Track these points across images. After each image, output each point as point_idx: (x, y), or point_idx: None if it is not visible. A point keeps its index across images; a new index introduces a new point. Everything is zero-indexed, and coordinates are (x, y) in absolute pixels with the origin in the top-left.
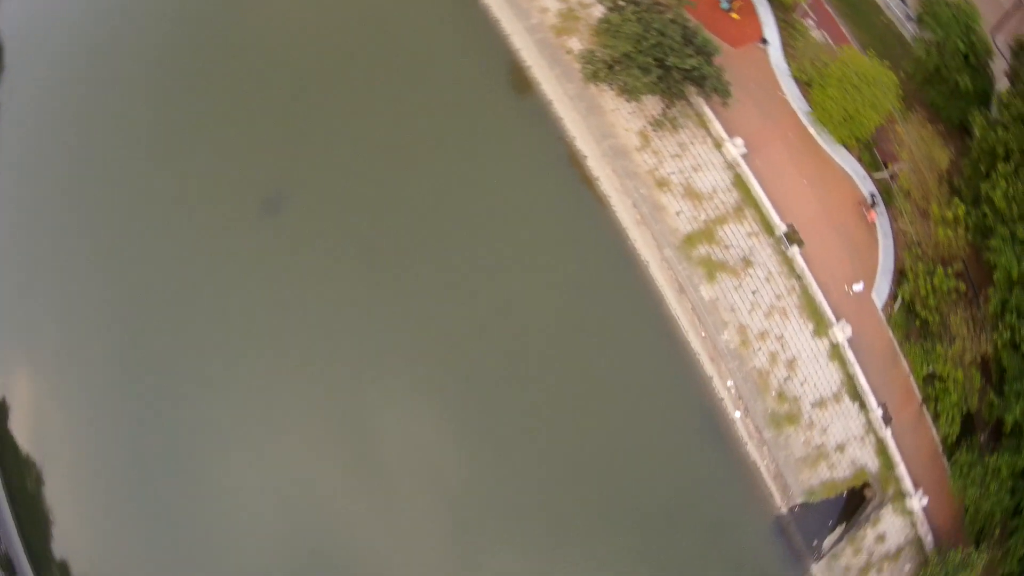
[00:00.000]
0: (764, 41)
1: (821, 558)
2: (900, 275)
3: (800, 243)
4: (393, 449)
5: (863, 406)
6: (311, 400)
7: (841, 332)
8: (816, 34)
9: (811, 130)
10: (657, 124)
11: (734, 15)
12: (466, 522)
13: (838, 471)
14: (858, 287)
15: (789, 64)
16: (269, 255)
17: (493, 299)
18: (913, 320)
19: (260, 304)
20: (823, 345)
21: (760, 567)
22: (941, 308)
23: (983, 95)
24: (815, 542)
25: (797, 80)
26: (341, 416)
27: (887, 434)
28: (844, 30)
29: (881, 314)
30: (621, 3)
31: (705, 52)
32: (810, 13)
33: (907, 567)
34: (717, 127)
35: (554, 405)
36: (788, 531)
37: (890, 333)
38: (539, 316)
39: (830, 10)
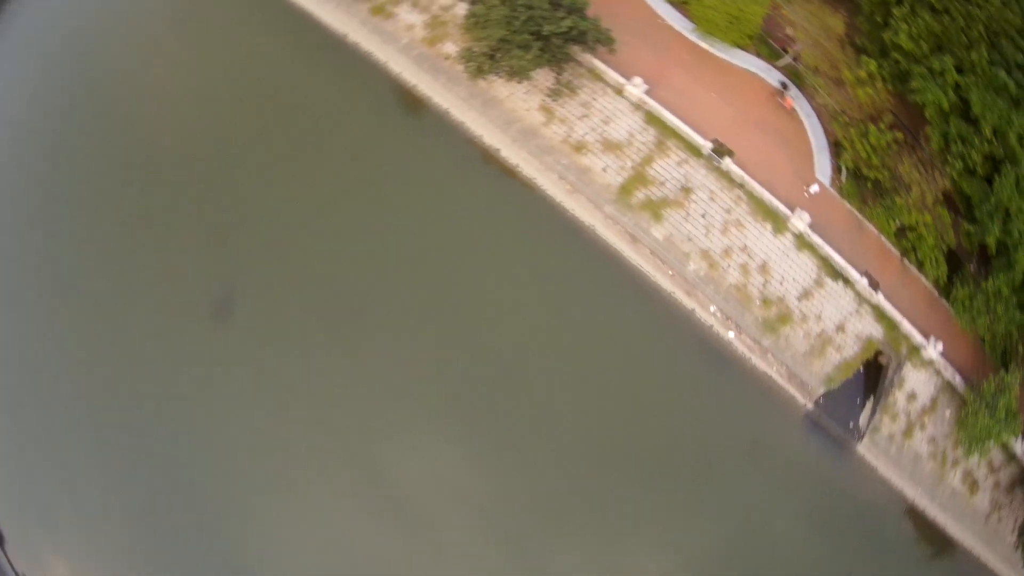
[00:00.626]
0: None
1: (862, 437)
2: (836, 147)
3: (730, 153)
4: (419, 489)
5: (847, 281)
6: (335, 480)
7: (800, 221)
8: None
9: (703, 45)
10: (554, 94)
11: None
12: (515, 535)
13: (847, 350)
14: (814, 188)
15: None
16: (239, 354)
17: (464, 317)
18: (864, 184)
19: (253, 405)
20: (788, 240)
21: (808, 467)
22: (887, 163)
23: None
24: (851, 424)
25: (672, 3)
26: (367, 483)
27: (880, 299)
28: None
29: (832, 190)
30: None
31: (576, 9)
32: None
33: (947, 413)
34: (612, 75)
35: (560, 397)
36: (822, 424)
37: (847, 205)
38: (512, 319)
39: None
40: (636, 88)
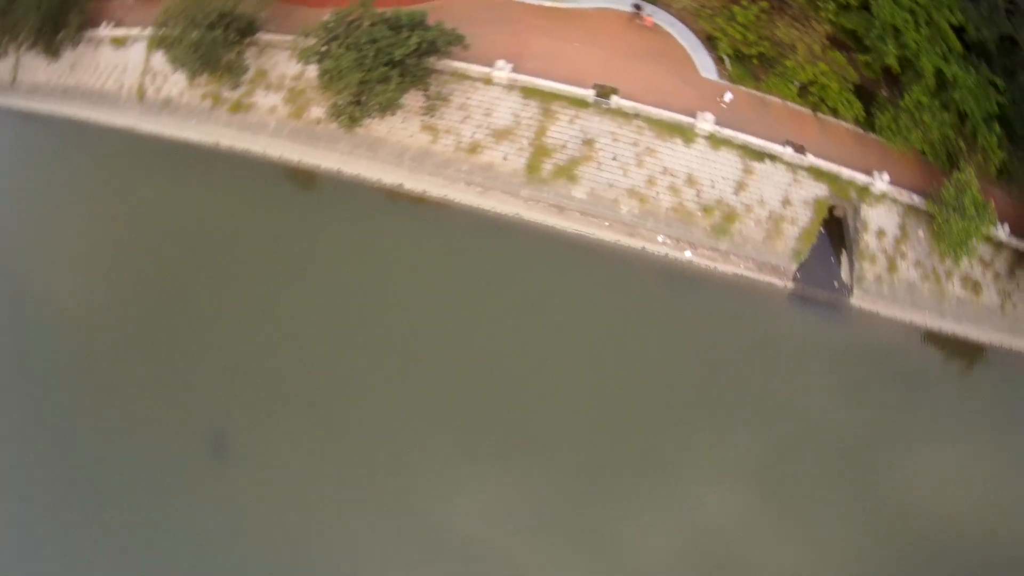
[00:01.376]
0: None
1: (852, 291)
2: (710, 41)
3: (614, 91)
4: (480, 531)
5: (772, 158)
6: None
7: (705, 123)
8: None
9: (548, 3)
10: (430, 110)
11: None
12: (581, 526)
13: (800, 219)
14: (728, 96)
15: None
16: (250, 482)
17: (447, 353)
18: (750, 63)
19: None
20: (701, 144)
21: (815, 341)
22: (763, 35)
23: None
24: (835, 284)
25: None
26: (429, 550)
27: (810, 159)
28: None
29: (723, 81)
30: (323, 48)
31: (417, 23)
32: None
33: (920, 234)
34: (476, 69)
35: (567, 386)
36: (809, 296)
37: (743, 88)
38: (492, 335)
39: None
40: (502, 71)
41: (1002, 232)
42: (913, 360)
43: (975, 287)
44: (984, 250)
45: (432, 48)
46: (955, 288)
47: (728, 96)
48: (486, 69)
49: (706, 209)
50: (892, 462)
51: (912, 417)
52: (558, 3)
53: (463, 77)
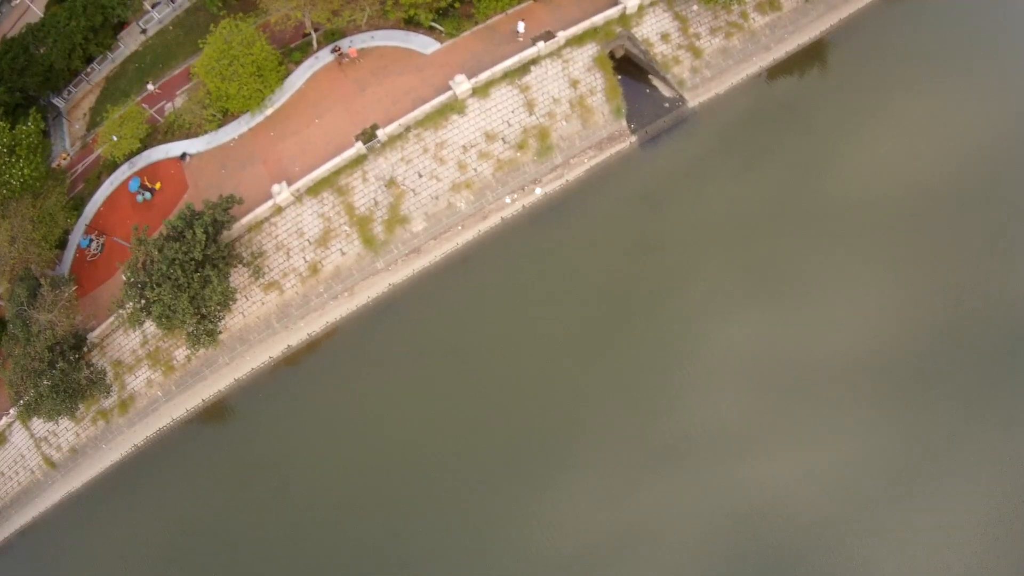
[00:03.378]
0: (183, 156)
1: (683, 98)
2: (411, 24)
3: (375, 127)
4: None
5: (534, 61)
6: None
7: (462, 86)
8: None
9: (268, 112)
10: (257, 272)
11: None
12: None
13: (596, 85)
14: (521, 26)
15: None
16: None
17: (460, 447)
18: (454, 12)
19: None
20: (473, 103)
21: (696, 158)
22: None
23: None
24: (666, 104)
25: (208, 132)
26: None
27: (562, 35)
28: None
29: (446, 44)
30: (142, 303)
31: (190, 218)
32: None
33: (694, 8)
34: (261, 210)
35: (560, 389)
36: (655, 131)
37: (468, 33)
38: (475, 406)
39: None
40: (281, 193)
41: None
42: (780, 99)
43: (772, 4)
44: None
45: (218, 225)
46: (758, 20)
47: (521, 26)
48: (269, 202)
49: (520, 146)
50: (853, 170)
51: (824, 132)
52: (270, 108)
53: (259, 224)
